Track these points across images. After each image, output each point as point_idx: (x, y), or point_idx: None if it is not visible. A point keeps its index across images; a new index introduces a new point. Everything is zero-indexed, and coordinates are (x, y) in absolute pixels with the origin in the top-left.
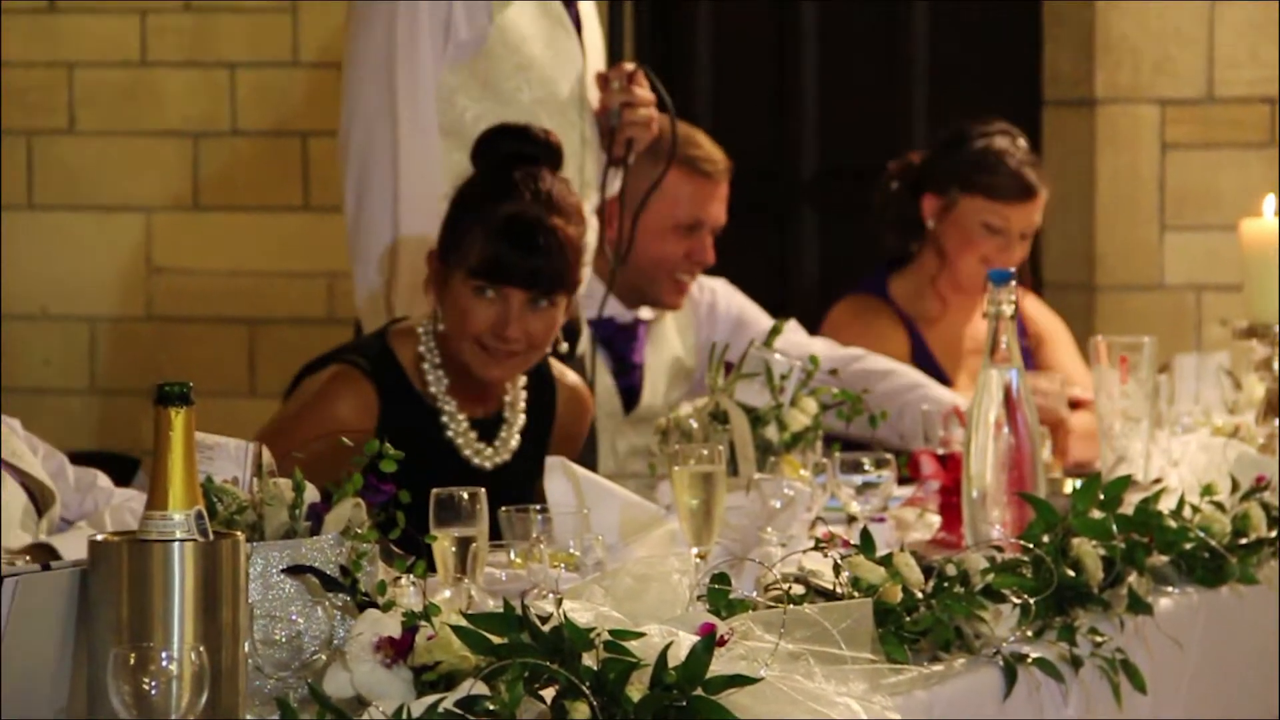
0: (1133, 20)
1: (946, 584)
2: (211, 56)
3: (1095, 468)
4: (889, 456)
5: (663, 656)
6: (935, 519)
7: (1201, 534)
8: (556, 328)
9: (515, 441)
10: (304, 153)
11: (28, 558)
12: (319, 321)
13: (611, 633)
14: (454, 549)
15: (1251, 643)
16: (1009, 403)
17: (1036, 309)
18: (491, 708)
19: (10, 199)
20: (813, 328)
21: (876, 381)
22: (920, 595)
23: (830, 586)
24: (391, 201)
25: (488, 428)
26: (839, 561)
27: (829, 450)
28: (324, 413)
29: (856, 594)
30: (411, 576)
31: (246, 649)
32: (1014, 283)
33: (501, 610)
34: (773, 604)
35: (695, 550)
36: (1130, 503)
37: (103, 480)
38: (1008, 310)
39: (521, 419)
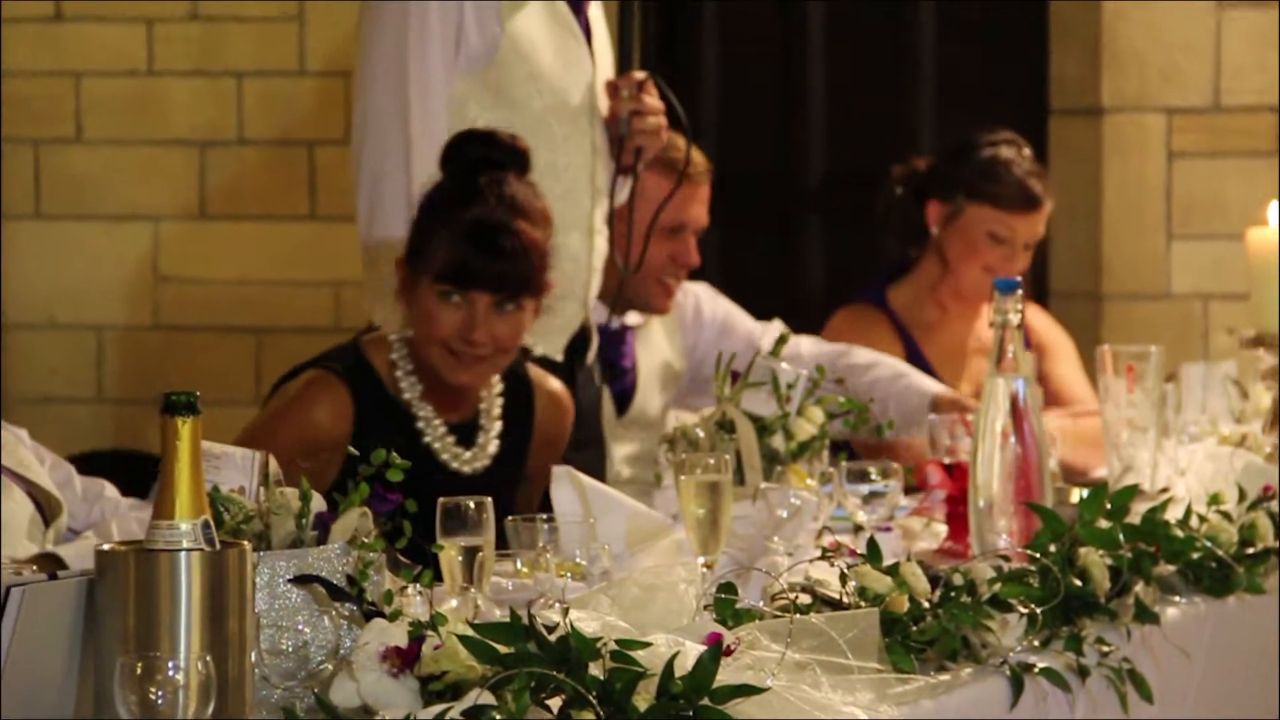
0: (1140, 29)
1: (953, 593)
2: (218, 66)
3: (1099, 476)
4: (895, 466)
5: (669, 666)
6: (942, 528)
7: (1208, 543)
8: (524, 331)
9: (494, 446)
10: (310, 162)
11: (34, 567)
12: (326, 330)
13: (618, 642)
14: (460, 558)
15: (1258, 652)
16: (1016, 412)
17: (1040, 319)
18: (498, 717)
19: (17, 208)
20: (816, 335)
21: (861, 375)
22: (927, 605)
23: (837, 596)
24: (404, 210)
25: (465, 432)
26: (845, 571)
27: (835, 459)
28: (300, 417)
29: (863, 603)
30: (418, 586)
31: (253, 658)
32: (1020, 291)
33: (508, 620)
34: (779, 613)
35: (702, 560)
36: (1137, 512)
37: (110, 490)
38: (1014, 319)
39: (498, 424)
